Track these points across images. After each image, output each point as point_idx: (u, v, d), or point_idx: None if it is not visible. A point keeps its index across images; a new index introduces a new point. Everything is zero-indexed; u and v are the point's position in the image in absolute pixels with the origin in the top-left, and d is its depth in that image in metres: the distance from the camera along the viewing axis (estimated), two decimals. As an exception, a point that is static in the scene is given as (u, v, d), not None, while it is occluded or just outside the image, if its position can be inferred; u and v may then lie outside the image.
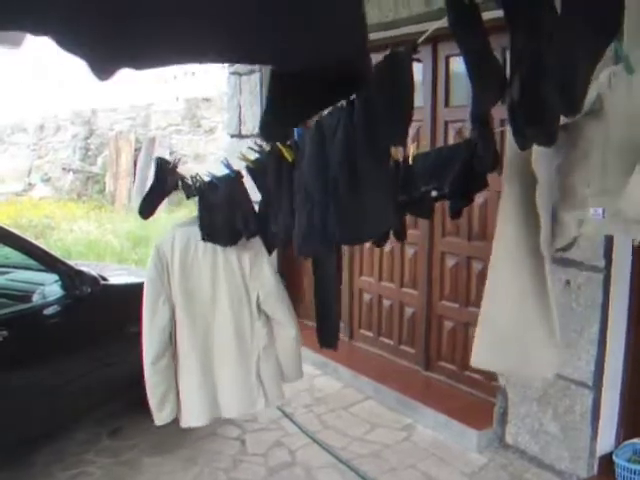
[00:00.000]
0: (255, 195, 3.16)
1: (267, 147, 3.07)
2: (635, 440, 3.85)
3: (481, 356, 2.76)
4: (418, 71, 5.09)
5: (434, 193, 3.00)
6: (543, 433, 4.11)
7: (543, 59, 1.82)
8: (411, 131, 5.23)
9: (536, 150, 2.41)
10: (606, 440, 3.91)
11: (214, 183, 3.25)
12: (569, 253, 3.68)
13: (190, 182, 3.30)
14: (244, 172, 3.18)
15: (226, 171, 3.24)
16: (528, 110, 1.88)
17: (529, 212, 2.50)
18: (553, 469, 4.06)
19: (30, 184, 17.07)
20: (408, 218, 5.09)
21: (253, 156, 3.16)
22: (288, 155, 2.83)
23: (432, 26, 2.18)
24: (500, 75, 2.02)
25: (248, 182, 3.18)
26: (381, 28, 4.91)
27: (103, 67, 1.23)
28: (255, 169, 3.12)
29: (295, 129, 2.79)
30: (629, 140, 2.15)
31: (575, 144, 2.37)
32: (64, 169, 16.48)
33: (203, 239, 3.26)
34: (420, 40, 2.31)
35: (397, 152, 3.11)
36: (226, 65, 7.08)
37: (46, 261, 4.33)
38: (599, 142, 2.29)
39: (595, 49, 1.83)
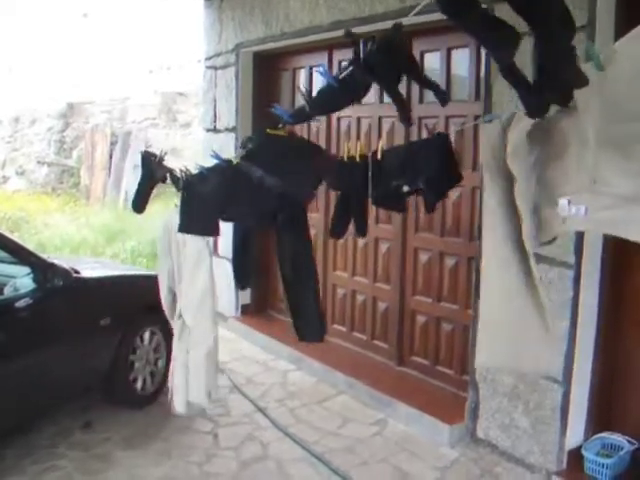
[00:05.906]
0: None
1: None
2: (604, 434, 3.90)
3: (482, 355, 2.77)
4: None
5: (405, 188, 2.99)
6: (514, 427, 4.15)
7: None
8: (385, 126, 5.26)
9: (510, 146, 2.43)
10: (575, 434, 3.95)
11: (203, 174, 3.25)
12: (540, 249, 3.72)
13: (178, 175, 3.28)
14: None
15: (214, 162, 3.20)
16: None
17: (513, 209, 2.51)
18: (523, 463, 4.10)
19: (4, 177, 16.90)
20: (382, 213, 5.19)
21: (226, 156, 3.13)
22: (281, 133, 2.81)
23: (407, 20, 2.20)
24: (510, 29, 2.01)
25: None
26: (358, 23, 4.93)
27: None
28: (251, 158, 3.00)
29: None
30: (604, 136, 2.17)
31: (550, 140, 2.39)
32: (39, 162, 16.32)
33: (180, 230, 3.22)
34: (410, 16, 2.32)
35: (363, 147, 3.11)
36: (202, 59, 7.08)
37: (18, 253, 4.30)
38: (574, 139, 2.30)
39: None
